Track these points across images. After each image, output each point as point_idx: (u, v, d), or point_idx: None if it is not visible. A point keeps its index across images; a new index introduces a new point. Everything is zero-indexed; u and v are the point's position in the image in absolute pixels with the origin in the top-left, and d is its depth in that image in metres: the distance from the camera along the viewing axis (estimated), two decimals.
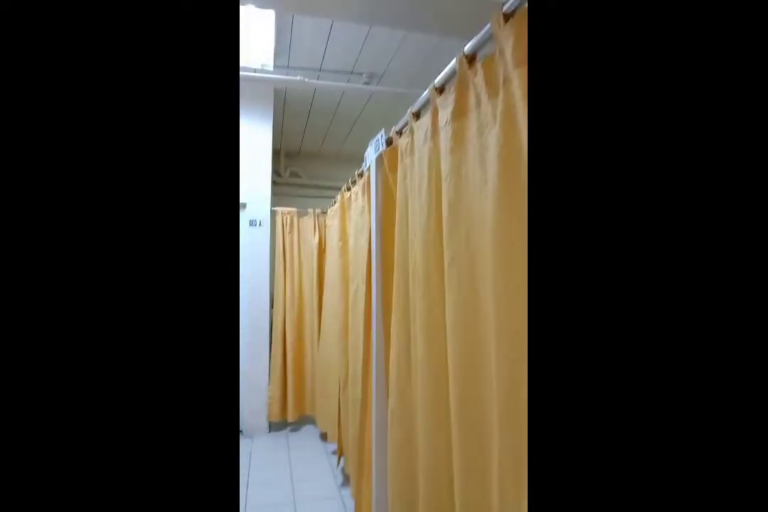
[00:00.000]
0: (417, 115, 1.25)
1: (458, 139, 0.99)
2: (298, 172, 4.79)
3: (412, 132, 1.25)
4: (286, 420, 3.14)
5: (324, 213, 3.18)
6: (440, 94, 1.09)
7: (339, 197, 2.43)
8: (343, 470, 2.37)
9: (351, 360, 2.01)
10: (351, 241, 2.15)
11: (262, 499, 2.12)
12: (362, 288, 1.74)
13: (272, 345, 3.15)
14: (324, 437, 2.84)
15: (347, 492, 2.15)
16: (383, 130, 1.49)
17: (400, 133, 1.38)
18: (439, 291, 1.10)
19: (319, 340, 2.93)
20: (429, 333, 1.14)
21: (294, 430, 3.13)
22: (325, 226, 3.09)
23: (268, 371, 3.10)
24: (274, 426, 3.13)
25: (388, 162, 1.46)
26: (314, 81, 3.07)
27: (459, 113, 1.00)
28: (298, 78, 3.01)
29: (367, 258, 1.66)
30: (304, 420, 3.20)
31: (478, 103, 0.92)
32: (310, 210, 3.30)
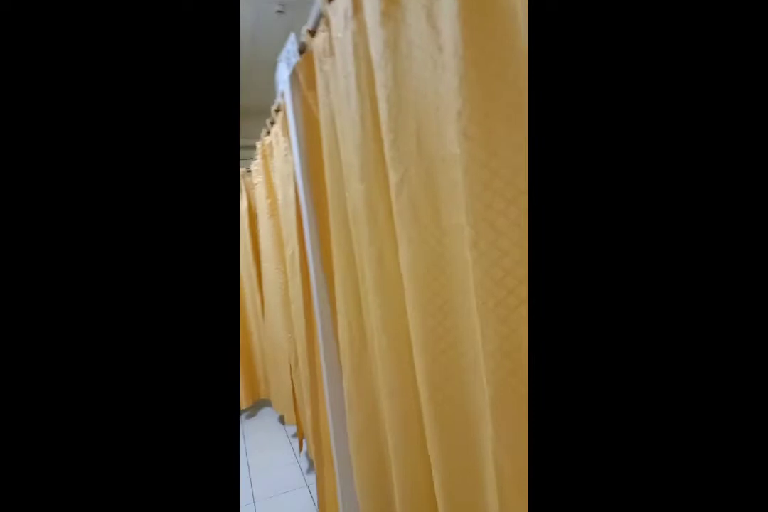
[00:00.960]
0: None
1: None
2: None
3: (327, 21, 0.91)
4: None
5: (249, 172, 2.77)
6: None
7: (259, 146, 2.05)
8: (307, 454, 2.13)
9: (297, 336, 1.72)
10: (279, 196, 1.80)
11: None
12: (297, 249, 1.43)
13: None
14: (282, 420, 2.57)
15: (314, 479, 1.91)
16: (293, 35, 1.13)
17: (313, 32, 1.03)
18: (388, 231, 0.80)
19: (263, 317, 2.60)
20: (383, 290, 0.85)
21: (249, 416, 2.83)
22: (253, 186, 2.69)
23: None
24: None
25: (305, 76, 1.11)
26: None
27: None
28: None
29: (296, 210, 1.34)
30: (260, 404, 2.91)
31: None
32: None
